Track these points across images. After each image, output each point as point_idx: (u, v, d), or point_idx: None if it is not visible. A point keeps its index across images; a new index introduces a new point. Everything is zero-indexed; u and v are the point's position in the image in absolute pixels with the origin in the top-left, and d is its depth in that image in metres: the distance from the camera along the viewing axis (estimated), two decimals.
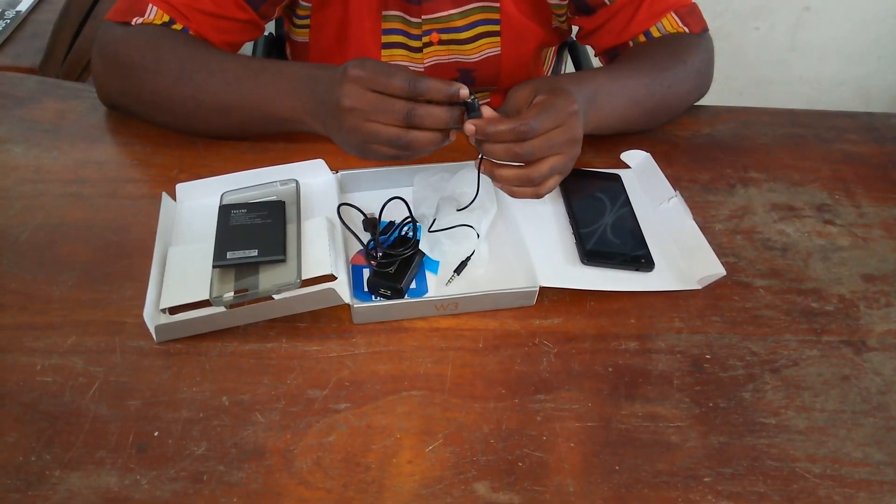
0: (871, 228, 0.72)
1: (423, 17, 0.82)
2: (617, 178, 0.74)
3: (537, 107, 0.60)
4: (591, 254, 0.64)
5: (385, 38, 0.83)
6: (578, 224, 0.67)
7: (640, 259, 0.65)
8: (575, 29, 0.91)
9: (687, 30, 0.79)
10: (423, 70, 0.86)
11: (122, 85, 0.73)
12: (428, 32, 0.83)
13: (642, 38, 0.80)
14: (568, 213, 0.69)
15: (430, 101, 0.60)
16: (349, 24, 0.82)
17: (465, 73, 0.88)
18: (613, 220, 0.69)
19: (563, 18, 0.87)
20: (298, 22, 0.87)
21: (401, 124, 0.60)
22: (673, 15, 0.79)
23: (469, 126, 0.59)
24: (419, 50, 0.85)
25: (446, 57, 0.86)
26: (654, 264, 0.64)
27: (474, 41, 0.84)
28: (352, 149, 0.64)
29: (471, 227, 0.64)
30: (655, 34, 0.80)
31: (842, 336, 0.62)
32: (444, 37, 0.84)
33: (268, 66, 0.70)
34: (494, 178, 0.62)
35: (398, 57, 0.85)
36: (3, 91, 0.82)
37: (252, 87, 0.69)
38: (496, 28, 0.83)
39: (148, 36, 0.72)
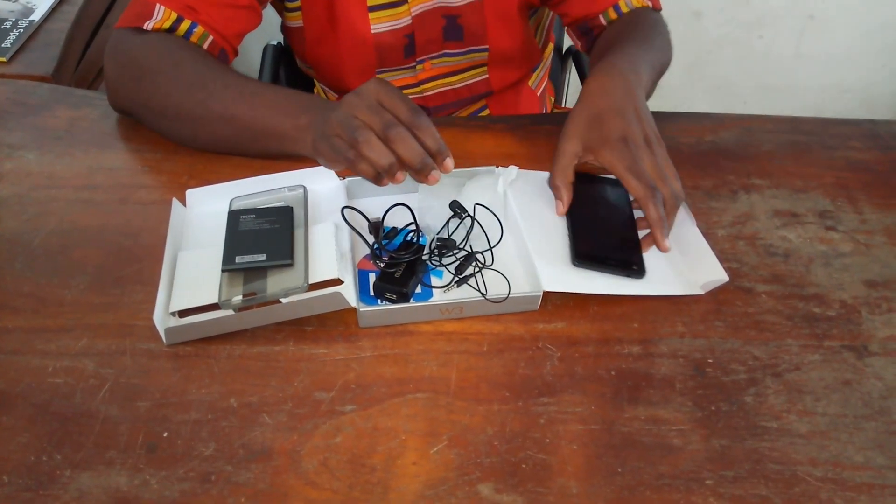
0: (874, 235, 0.73)
1: None
2: (621, 183, 0.74)
3: (629, 170, 0.66)
4: (582, 255, 0.65)
5: (370, 2, 0.86)
6: (574, 225, 0.68)
7: (631, 265, 0.65)
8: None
9: (649, 3, 0.88)
10: (410, 23, 0.88)
11: (134, 88, 0.75)
12: None
13: (612, 13, 0.87)
14: (567, 215, 0.70)
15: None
16: None
17: (451, 20, 0.89)
18: (611, 225, 0.69)
19: None
20: (290, 6, 0.89)
21: (377, 130, 0.60)
22: None
23: (449, 164, 0.61)
24: (404, 2, 0.86)
25: (430, 3, 0.87)
26: (645, 272, 0.65)
27: None
28: (320, 138, 0.66)
29: (475, 257, 0.65)
30: (624, 8, 0.87)
31: (844, 341, 0.62)
32: None
33: (283, 89, 0.74)
34: (663, 249, 0.66)
35: (384, 18, 0.87)
36: (16, 99, 0.84)
37: (262, 101, 0.72)
38: None
39: (168, 44, 0.74)
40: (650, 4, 0.88)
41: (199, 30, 0.76)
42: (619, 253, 0.66)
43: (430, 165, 0.60)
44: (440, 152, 0.61)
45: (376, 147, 0.60)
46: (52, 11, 1.10)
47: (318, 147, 0.67)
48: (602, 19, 0.87)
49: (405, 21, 0.88)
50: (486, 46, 0.92)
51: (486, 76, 0.97)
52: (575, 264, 0.65)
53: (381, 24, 0.87)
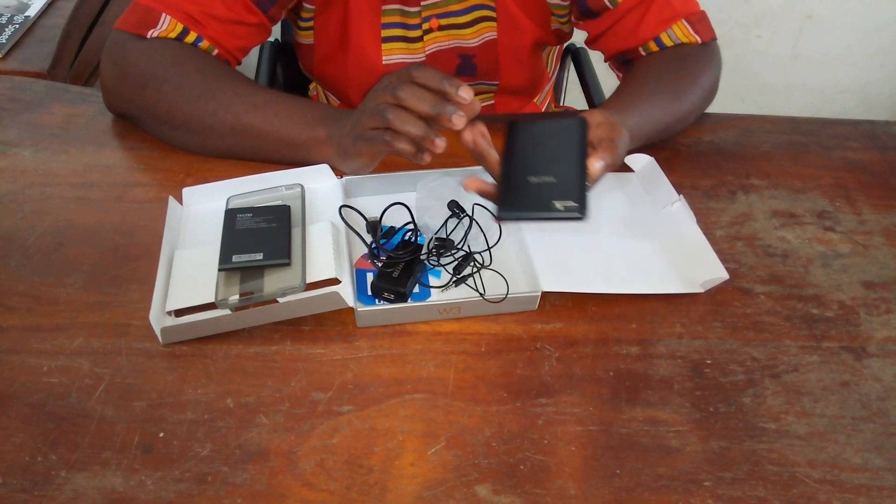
0: (872, 235, 0.73)
1: (421, 3, 0.83)
2: (580, 122, 0.64)
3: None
4: (507, 202, 0.58)
5: (384, 33, 0.85)
6: (508, 172, 0.61)
7: (567, 199, 0.54)
8: (582, 37, 0.91)
9: (699, 38, 0.80)
10: (423, 59, 0.88)
11: (135, 96, 0.74)
12: (427, 19, 0.84)
13: (653, 46, 0.80)
14: (503, 160, 0.63)
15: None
16: (349, 22, 0.84)
17: (465, 60, 0.88)
18: (553, 166, 0.60)
19: (565, 20, 0.88)
20: (303, 24, 0.89)
21: (391, 100, 0.62)
22: (684, 22, 0.79)
23: (464, 93, 0.60)
24: (419, 39, 0.86)
25: (447, 43, 0.87)
26: (586, 212, 0.54)
27: (473, 25, 0.86)
28: (354, 141, 0.67)
29: (473, 258, 0.64)
30: (667, 42, 0.80)
31: (842, 342, 0.62)
32: (444, 21, 0.85)
33: (293, 98, 0.73)
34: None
35: (397, 51, 0.86)
36: (12, 95, 0.83)
37: (279, 111, 0.71)
38: (493, 14, 0.85)
39: (174, 51, 0.73)
40: (698, 39, 0.80)
41: (204, 44, 0.74)
42: (553, 193, 0.57)
43: (445, 108, 0.60)
44: (445, 89, 0.60)
45: (406, 118, 0.61)
46: (48, 7, 1.09)
47: (356, 150, 0.68)
48: (642, 52, 0.82)
49: (419, 57, 0.87)
50: (497, 82, 0.92)
51: (492, 102, 0.96)
52: (500, 217, 0.59)
53: (394, 55, 0.86)
